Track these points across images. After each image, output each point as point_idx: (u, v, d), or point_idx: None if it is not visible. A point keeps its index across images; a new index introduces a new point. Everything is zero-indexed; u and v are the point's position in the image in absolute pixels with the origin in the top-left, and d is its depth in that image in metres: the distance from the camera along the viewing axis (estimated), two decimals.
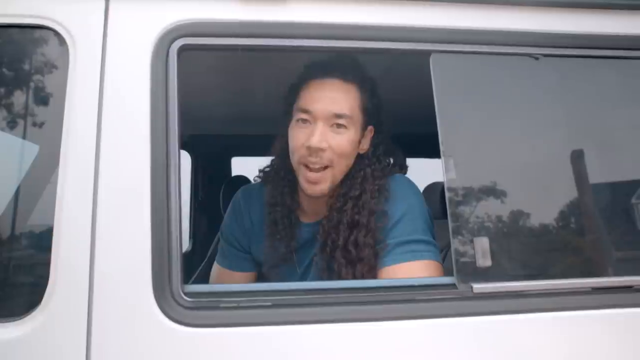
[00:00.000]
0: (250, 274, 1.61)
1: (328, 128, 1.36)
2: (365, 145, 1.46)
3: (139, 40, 1.10)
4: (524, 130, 1.24)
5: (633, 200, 1.25)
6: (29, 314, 1.01)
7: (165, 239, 1.04)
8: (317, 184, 1.37)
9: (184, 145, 2.83)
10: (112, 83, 1.09)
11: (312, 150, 1.34)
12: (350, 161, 1.41)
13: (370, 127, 1.46)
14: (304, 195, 1.47)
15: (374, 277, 1.33)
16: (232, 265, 1.61)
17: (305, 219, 1.52)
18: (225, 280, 1.60)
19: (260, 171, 1.60)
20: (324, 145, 1.34)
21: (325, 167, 1.36)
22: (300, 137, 1.37)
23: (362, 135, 1.44)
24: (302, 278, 1.50)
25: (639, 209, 1.25)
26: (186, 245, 2.84)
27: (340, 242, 1.36)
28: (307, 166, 1.37)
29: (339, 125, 1.36)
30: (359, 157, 1.44)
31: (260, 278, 1.61)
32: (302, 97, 1.40)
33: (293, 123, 1.41)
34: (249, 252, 1.60)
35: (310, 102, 1.37)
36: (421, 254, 1.31)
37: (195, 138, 2.78)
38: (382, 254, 1.34)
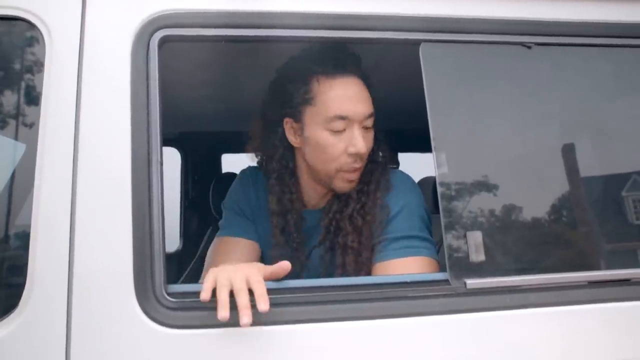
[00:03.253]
0: (254, 246, 1.48)
1: (362, 130, 1.33)
2: None
3: (118, 32, 1.07)
4: (516, 122, 1.21)
5: (624, 193, 1.22)
6: (6, 317, 0.97)
7: (147, 237, 1.01)
8: (354, 182, 1.37)
9: (173, 142, 2.82)
10: (91, 76, 1.05)
11: (358, 156, 1.32)
12: None
13: None
14: (313, 189, 1.45)
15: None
16: (237, 231, 1.48)
17: (308, 207, 1.49)
18: (229, 248, 1.45)
19: (258, 163, 1.54)
20: (367, 149, 1.33)
21: (361, 168, 1.36)
22: (338, 145, 1.31)
23: None
24: (305, 266, 1.46)
25: (629, 201, 1.23)
26: (176, 244, 2.81)
27: (345, 229, 1.35)
28: (345, 170, 1.34)
29: (367, 126, 1.34)
30: None
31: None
32: (328, 100, 1.31)
33: (320, 129, 1.32)
34: (254, 222, 1.51)
35: (347, 106, 1.30)
36: (417, 250, 1.28)
37: (185, 135, 2.74)
38: (377, 249, 1.31)
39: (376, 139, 1.41)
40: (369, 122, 1.34)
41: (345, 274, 1.32)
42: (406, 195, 1.37)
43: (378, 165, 1.41)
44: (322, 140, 1.32)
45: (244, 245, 1.46)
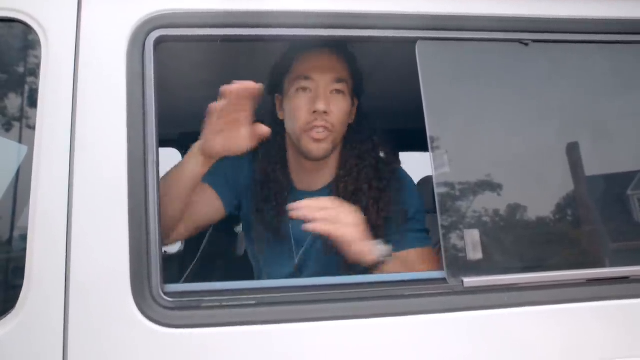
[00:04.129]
0: (214, 196, 1.49)
1: (329, 94, 1.42)
2: (353, 115, 1.52)
3: (113, 33, 1.07)
4: (514, 120, 1.21)
5: (629, 192, 1.22)
6: (4, 317, 0.97)
7: (144, 237, 1.01)
8: (321, 142, 1.42)
9: (173, 143, 2.81)
10: (87, 77, 1.05)
11: (319, 114, 1.39)
12: (344, 128, 1.48)
13: (355, 100, 1.52)
14: (300, 164, 1.52)
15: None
16: (207, 178, 1.43)
17: (301, 187, 1.54)
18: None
19: None
20: (329, 108, 1.40)
21: (328, 130, 1.42)
22: (303, 104, 1.42)
23: (352, 104, 1.50)
24: (302, 256, 1.49)
25: (634, 199, 1.22)
26: (177, 245, 2.81)
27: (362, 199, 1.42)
28: (310, 129, 1.41)
29: (338, 91, 1.43)
30: (351, 129, 1.51)
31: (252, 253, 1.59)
32: (299, 66, 1.45)
33: (292, 93, 1.45)
34: (234, 187, 1.54)
35: (311, 69, 1.43)
36: (428, 240, 1.42)
37: (186, 136, 2.74)
38: (396, 239, 1.40)
39: (363, 119, 1.52)
40: (340, 86, 1.43)
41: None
42: (412, 191, 1.50)
43: (374, 145, 1.50)
44: (292, 101, 1.45)
45: (204, 190, 1.46)
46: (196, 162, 1.26)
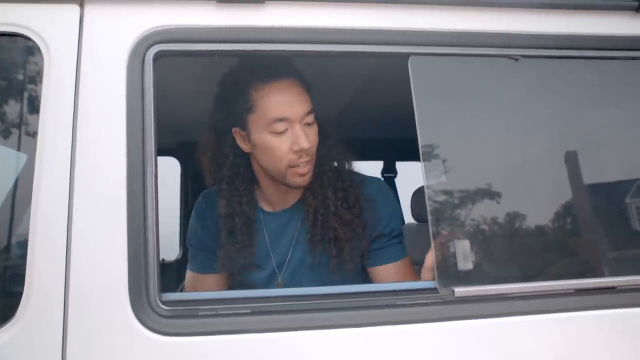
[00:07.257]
0: (220, 277, 1.54)
1: (304, 127, 1.39)
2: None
3: (114, 48, 1.10)
4: (504, 133, 1.24)
5: (627, 200, 1.24)
6: (4, 325, 0.99)
7: (142, 247, 1.03)
8: (306, 175, 1.42)
9: (173, 152, 2.84)
10: (88, 91, 1.08)
11: (303, 152, 1.37)
12: None
13: None
14: (274, 189, 1.50)
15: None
16: (201, 268, 1.55)
17: (272, 209, 1.54)
18: (197, 285, 1.55)
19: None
20: (311, 144, 1.38)
21: (311, 162, 1.42)
22: (283, 145, 1.37)
23: None
24: (286, 269, 1.50)
25: (622, 210, 1.25)
26: (177, 253, 2.84)
27: (332, 209, 1.43)
28: (294, 165, 1.40)
29: (309, 122, 1.40)
30: None
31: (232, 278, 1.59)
32: (266, 105, 1.37)
33: (266, 135, 1.38)
34: (216, 253, 1.54)
35: (283, 109, 1.37)
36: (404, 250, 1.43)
37: (184, 145, 2.78)
38: (373, 248, 1.44)
39: (331, 143, 1.50)
40: (310, 119, 1.40)
41: (340, 265, 1.41)
42: (381, 202, 1.49)
43: (336, 156, 1.50)
44: (267, 143, 1.39)
45: (209, 281, 1.52)
46: None
